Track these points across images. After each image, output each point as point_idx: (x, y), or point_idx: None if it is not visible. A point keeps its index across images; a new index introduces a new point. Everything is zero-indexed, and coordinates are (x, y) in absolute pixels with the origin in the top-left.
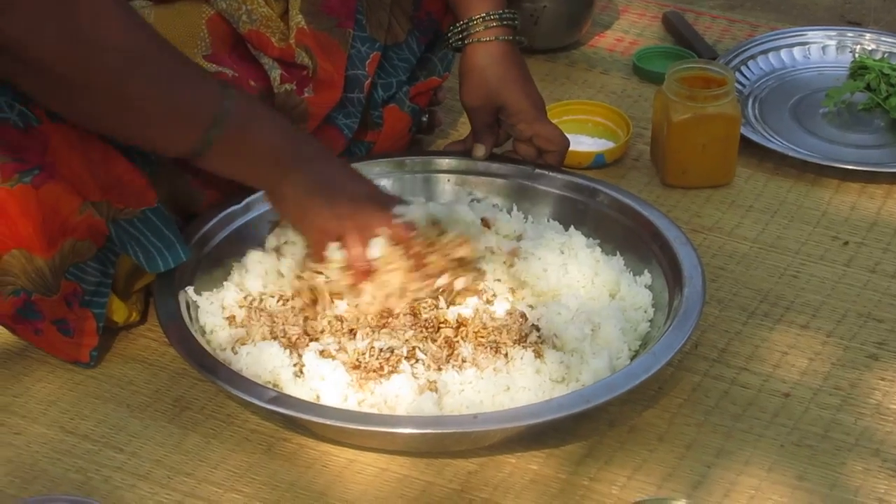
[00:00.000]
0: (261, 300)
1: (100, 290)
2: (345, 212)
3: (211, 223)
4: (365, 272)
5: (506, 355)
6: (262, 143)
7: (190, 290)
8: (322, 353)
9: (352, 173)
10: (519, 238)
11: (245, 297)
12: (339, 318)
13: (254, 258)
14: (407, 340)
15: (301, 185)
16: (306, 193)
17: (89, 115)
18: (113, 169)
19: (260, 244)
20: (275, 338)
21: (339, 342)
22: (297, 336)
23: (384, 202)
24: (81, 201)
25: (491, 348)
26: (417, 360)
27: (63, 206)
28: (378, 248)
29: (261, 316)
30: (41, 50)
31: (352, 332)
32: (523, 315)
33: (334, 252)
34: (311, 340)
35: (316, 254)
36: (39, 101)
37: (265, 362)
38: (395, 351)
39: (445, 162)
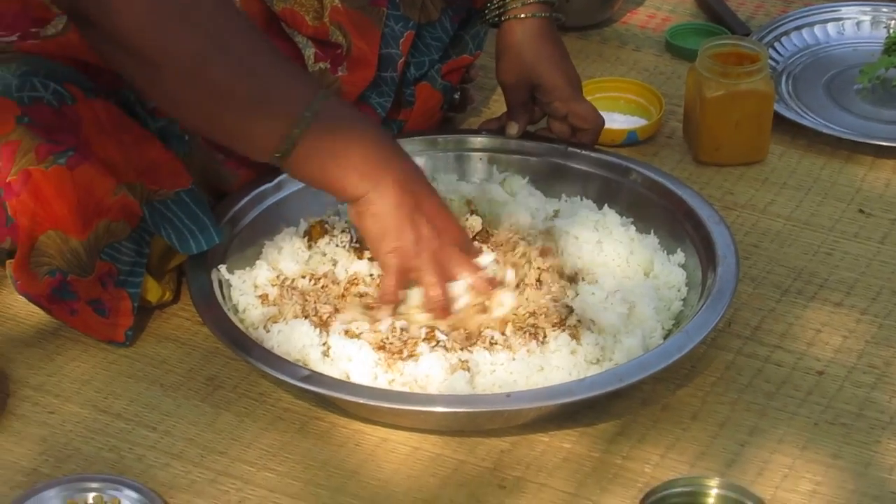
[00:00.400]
0: (293, 280)
1: (135, 269)
2: (428, 244)
3: (243, 202)
4: (444, 312)
5: (544, 338)
6: (353, 150)
7: (222, 268)
8: (347, 332)
9: (441, 203)
10: (553, 216)
11: (277, 276)
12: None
13: (286, 237)
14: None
15: (387, 202)
16: (392, 212)
17: (172, 100)
18: (147, 151)
19: (292, 223)
20: (306, 316)
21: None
22: (328, 314)
23: (467, 246)
24: (116, 182)
25: (529, 333)
26: (438, 343)
27: (97, 187)
28: (462, 297)
29: (293, 294)
30: (124, 21)
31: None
32: (557, 300)
33: (413, 295)
34: (334, 311)
35: (386, 278)
36: (127, 79)
37: (295, 341)
38: (415, 333)
39: (478, 140)
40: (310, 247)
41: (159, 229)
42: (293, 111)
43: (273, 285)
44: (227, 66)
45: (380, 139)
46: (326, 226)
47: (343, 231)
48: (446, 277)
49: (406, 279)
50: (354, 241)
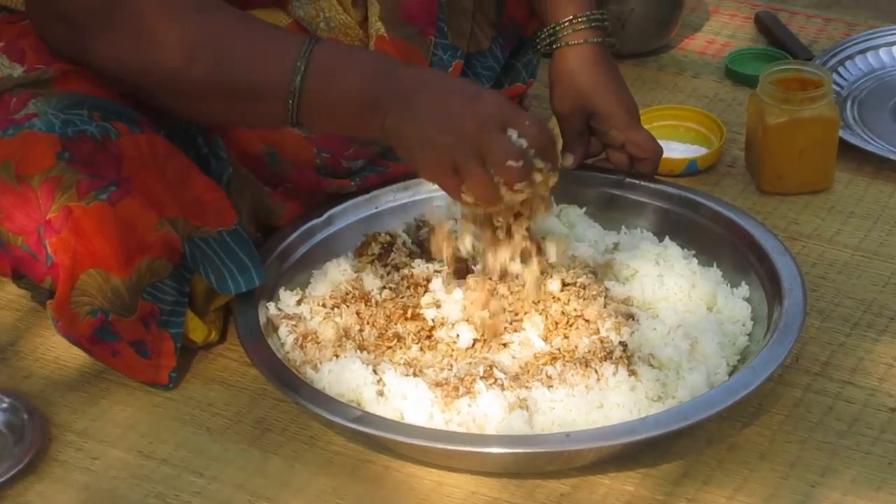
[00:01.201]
0: (333, 306)
1: (176, 309)
2: (461, 133)
3: (291, 237)
4: (491, 199)
5: (595, 371)
6: (353, 85)
7: (271, 306)
8: (404, 364)
9: (464, 83)
10: (613, 248)
11: (322, 304)
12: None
13: (334, 266)
14: (484, 358)
15: (405, 122)
16: (416, 122)
17: (173, 108)
18: (192, 186)
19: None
20: (348, 338)
21: (420, 352)
22: (374, 341)
23: (507, 113)
24: (158, 218)
25: (580, 364)
26: (496, 381)
27: (139, 224)
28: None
29: (334, 318)
30: (99, 61)
31: (430, 338)
32: (602, 338)
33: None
34: (387, 348)
35: (446, 192)
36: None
37: (348, 380)
38: (472, 371)
39: None
40: (361, 265)
41: (199, 267)
42: (286, 68)
43: (319, 315)
44: (206, 65)
45: (381, 64)
46: (380, 237)
47: (400, 242)
48: (481, 159)
49: (454, 177)
50: (412, 242)
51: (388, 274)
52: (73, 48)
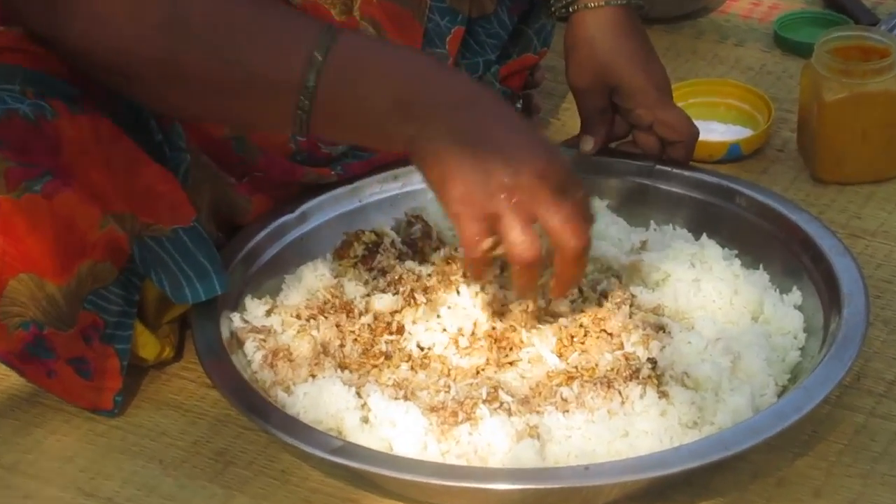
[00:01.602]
0: (309, 318)
1: (123, 321)
2: (502, 180)
3: (259, 237)
4: (531, 263)
5: (619, 393)
6: (383, 86)
7: (235, 317)
8: (393, 385)
9: (516, 122)
10: (641, 248)
11: (297, 315)
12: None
13: (310, 270)
14: (488, 379)
15: (442, 138)
16: (450, 149)
17: (159, 102)
18: (142, 177)
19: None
20: (327, 355)
21: (412, 371)
22: (357, 359)
23: (557, 175)
24: (102, 213)
25: (601, 384)
26: (501, 405)
27: (80, 221)
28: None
29: (310, 331)
30: (72, 38)
31: (425, 360)
32: (627, 354)
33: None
34: (373, 367)
35: (462, 237)
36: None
37: (326, 405)
38: (473, 393)
39: None
40: (342, 269)
41: (149, 272)
42: (296, 63)
43: (293, 327)
44: (196, 51)
45: (418, 64)
46: (364, 236)
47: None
48: (529, 218)
49: (483, 227)
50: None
51: (374, 279)
52: (42, 22)
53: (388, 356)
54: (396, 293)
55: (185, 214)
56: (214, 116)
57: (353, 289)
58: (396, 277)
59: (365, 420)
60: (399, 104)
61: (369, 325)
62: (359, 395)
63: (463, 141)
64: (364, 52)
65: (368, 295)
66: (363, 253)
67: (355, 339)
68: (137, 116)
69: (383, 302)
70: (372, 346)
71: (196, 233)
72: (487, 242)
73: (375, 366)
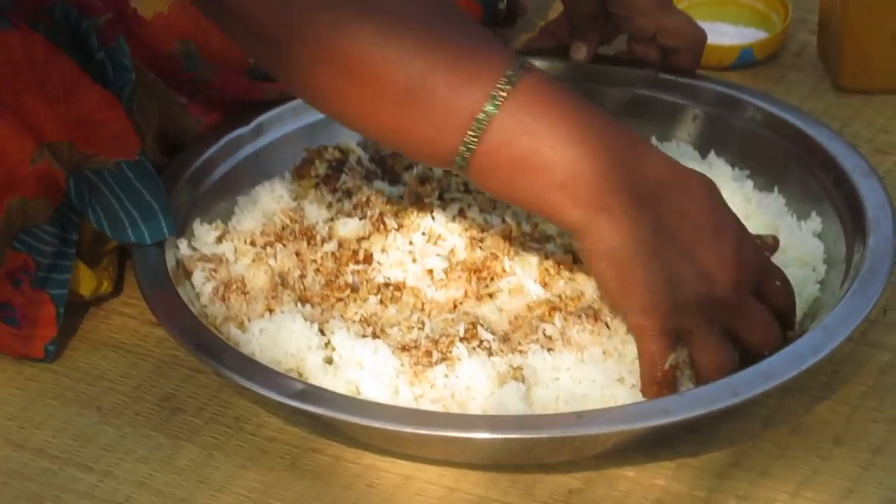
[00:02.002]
0: (265, 245)
1: (59, 263)
2: (694, 288)
3: (209, 153)
4: (727, 369)
5: (607, 326)
6: (560, 156)
7: (182, 244)
8: (360, 321)
9: (710, 213)
10: None
11: (251, 242)
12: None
13: (266, 191)
14: (465, 314)
15: (621, 234)
16: (631, 248)
17: (305, 86)
18: (81, 102)
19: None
20: (303, 302)
21: (381, 305)
22: (319, 291)
23: (756, 275)
24: (36, 144)
25: (587, 316)
26: (482, 343)
27: (10, 152)
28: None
29: (267, 260)
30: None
31: (397, 292)
32: None
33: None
34: (337, 300)
35: (644, 354)
36: (259, 62)
37: (285, 343)
38: (450, 330)
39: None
40: (302, 190)
41: (87, 209)
42: (477, 95)
43: (247, 256)
44: (364, 39)
45: (600, 143)
46: (327, 152)
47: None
48: (725, 333)
49: (670, 342)
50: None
51: (339, 202)
52: None
53: (354, 288)
54: (364, 217)
55: (129, 146)
56: (359, 118)
57: (315, 212)
58: (363, 200)
59: (329, 360)
60: (576, 177)
61: (333, 253)
62: (322, 332)
63: (645, 238)
64: (545, 100)
65: (332, 219)
66: (326, 172)
67: (317, 269)
68: (75, 31)
69: (348, 227)
70: (336, 277)
71: (142, 168)
72: (672, 359)
73: (340, 299)
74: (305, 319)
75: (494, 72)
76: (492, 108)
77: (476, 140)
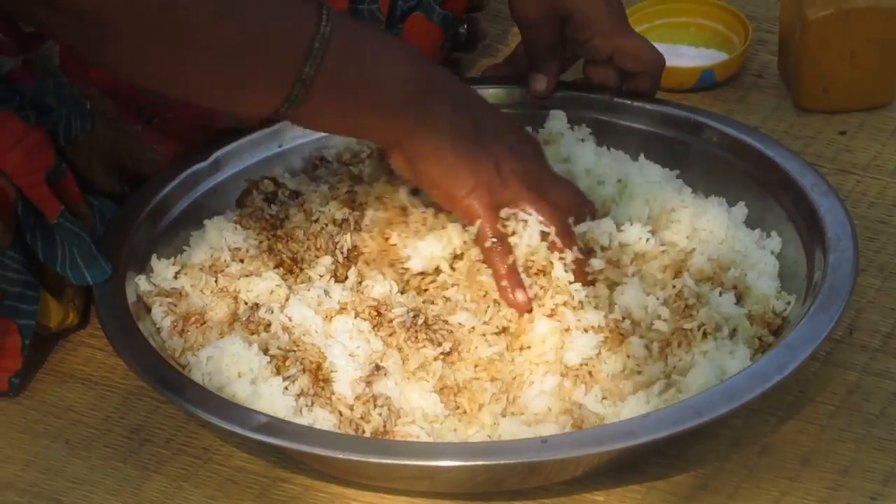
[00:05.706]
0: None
1: (26, 293)
2: (512, 166)
3: (168, 188)
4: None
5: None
6: (384, 77)
7: (141, 280)
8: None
9: (505, 119)
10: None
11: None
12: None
13: (213, 225)
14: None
15: (445, 133)
16: (455, 143)
17: (130, 62)
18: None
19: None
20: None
21: None
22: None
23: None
24: None
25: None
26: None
27: None
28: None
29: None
30: None
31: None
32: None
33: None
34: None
35: (481, 228)
36: (77, 48)
37: (228, 367)
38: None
39: (490, 92)
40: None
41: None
42: (297, 45)
43: (207, 288)
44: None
45: (414, 58)
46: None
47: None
48: (549, 200)
49: (498, 216)
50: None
51: (272, 229)
52: None
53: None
54: (280, 265)
55: (49, 209)
56: (194, 83)
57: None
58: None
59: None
60: (408, 84)
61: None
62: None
63: (464, 134)
64: (366, 32)
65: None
66: (262, 202)
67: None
68: None
69: (260, 287)
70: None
71: (65, 229)
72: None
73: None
74: (245, 342)
75: (307, 28)
76: (309, 68)
77: (312, 73)
